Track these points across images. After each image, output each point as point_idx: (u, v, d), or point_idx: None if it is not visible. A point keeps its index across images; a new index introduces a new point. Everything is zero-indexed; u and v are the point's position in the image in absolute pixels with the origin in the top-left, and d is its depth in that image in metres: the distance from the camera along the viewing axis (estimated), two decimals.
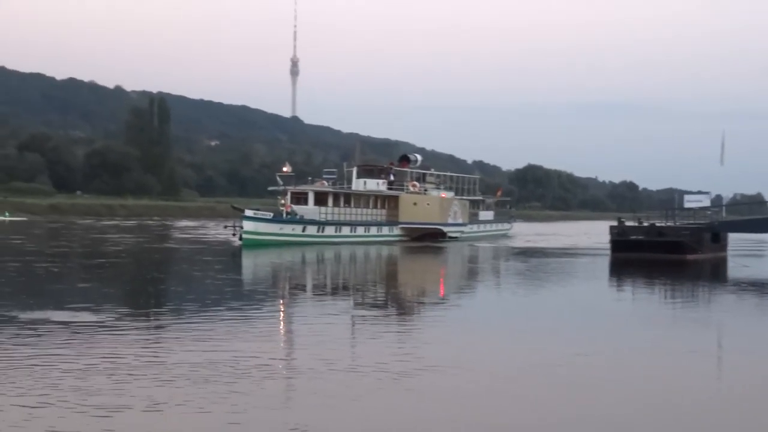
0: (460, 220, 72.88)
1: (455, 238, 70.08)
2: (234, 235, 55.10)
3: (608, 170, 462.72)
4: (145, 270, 36.50)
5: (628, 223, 54.10)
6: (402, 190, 69.41)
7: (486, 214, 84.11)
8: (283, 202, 59.33)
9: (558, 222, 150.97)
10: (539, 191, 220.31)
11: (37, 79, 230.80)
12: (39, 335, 17.26)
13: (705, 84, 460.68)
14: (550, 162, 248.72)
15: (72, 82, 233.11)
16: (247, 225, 53.80)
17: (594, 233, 79.01)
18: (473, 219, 78.69)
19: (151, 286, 29.89)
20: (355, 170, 67.90)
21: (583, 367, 15.60)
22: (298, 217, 58.46)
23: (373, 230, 65.41)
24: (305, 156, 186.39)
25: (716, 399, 13.75)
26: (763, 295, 32.84)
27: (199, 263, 40.48)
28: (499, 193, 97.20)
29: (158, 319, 20.93)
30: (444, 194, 72.41)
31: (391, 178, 69.51)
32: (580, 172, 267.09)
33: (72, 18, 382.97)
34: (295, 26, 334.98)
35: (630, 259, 46.76)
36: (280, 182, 61.17)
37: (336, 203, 63.10)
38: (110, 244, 52.85)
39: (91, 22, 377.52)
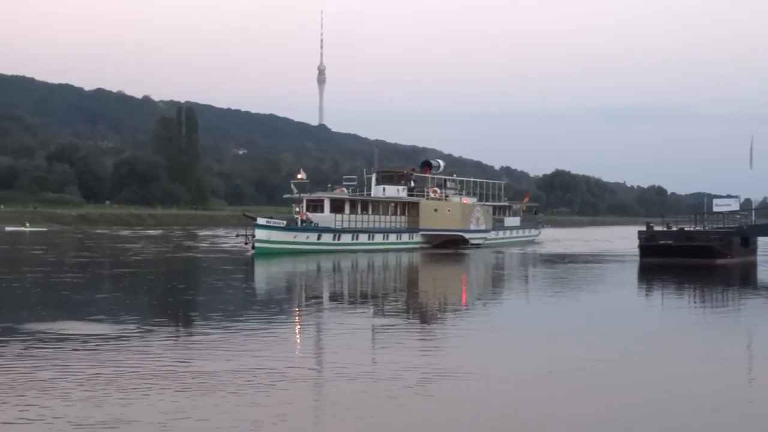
0: (483, 227, 71.09)
1: (478, 245, 68.54)
2: (246, 243, 53.81)
3: (636, 175, 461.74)
4: (160, 280, 35.99)
5: (657, 228, 53.57)
6: (423, 196, 67.90)
7: (512, 220, 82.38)
8: (297, 209, 57.58)
9: (586, 227, 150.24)
10: (567, 196, 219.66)
11: (66, 89, 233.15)
12: (49, 346, 17.05)
13: (733, 87, 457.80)
14: (578, 167, 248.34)
15: (100, 92, 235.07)
16: (260, 233, 52.31)
17: (623, 238, 78.27)
18: (498, 225, 77.41)
19: (166, 296, 29.54)
20: (374, 176, 66.38)
21: (596, 372, 15.37)
22: (313, 224, 56.87)
23: (392, 237, 63.69)
24: (332, 164, 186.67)
25: (723, 402, 13.35)
26: None
27: (213, 273, 40.12)
28: (526, 199, 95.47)
29: (170, 330, 20.69)
30: (466, 200, 70.74)
31: (412, 184, 68.07)
32: (608, 177, 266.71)
33: (99, 29, 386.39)
34: (322, 34, 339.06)
35: (659, 264, 46.19)
36: (295, 190, 59.12)
37: (353, 210, 61.31)
38: (131, 253, 52.46)
39: (118, 32, 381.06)
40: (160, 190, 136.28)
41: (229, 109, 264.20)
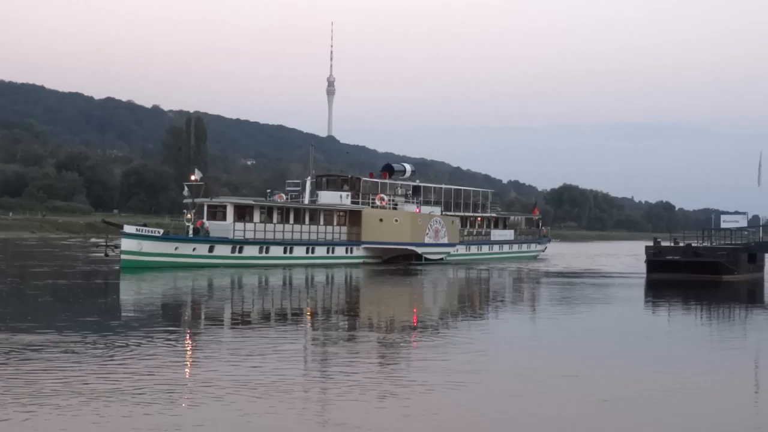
0: (444, 240, 62.57)
1: (440, 260, 61.22)
2: (107, 255, 47.55)
3: (644, 190, 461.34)
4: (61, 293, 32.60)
5: (664, 244, 53.52)
6: (368, 204, 59.61)
7: (502, 234, 73.85)
8: (189, 216, 48.76)
9: (593, 242, 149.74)
10: (575, 211, 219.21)
11: (76, 98, 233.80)
12: None
13: (742, 105, 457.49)
14: (586, 182, 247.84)
15: (110, 101, 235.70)
16: (128, 244, 44.61)
17: (630, 254, 77.88)
18: (481, 239, 70.69)
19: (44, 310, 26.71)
20: (308, 181, 58.81)
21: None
22: (209, 234, 49.03)
23: (320, 251, 55.04)
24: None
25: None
26: None
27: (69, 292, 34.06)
28: (535, 211, 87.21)
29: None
30: (418, 209, 61.83)
31: (359, 190, 60.06)
32: (616, 192, 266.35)
33: (110, 38, 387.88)
34: (332, 46, 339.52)
35: (666, 280, 46.11)
36: (187, 193, 50.49)
37: (266, 219, 52.43)
38: (78, 262, 48.70)
39: (129, 42, 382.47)
40: (168, 200, 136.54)
41: (238, 120, 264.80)
